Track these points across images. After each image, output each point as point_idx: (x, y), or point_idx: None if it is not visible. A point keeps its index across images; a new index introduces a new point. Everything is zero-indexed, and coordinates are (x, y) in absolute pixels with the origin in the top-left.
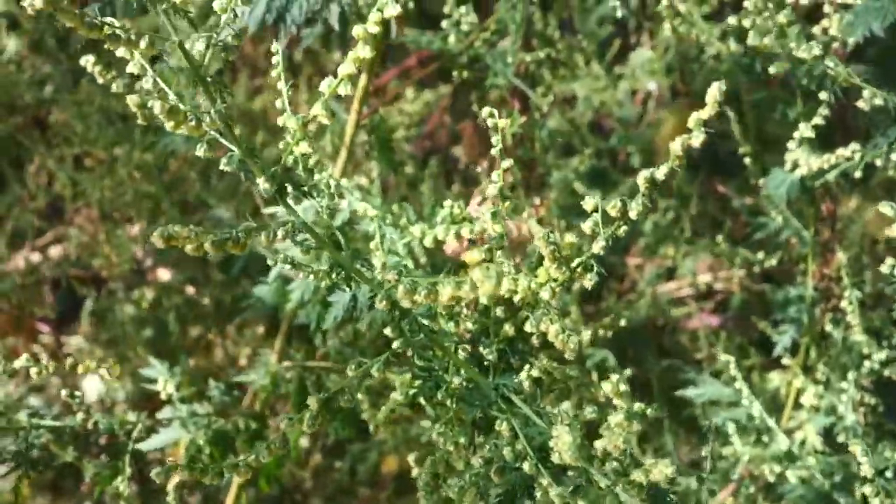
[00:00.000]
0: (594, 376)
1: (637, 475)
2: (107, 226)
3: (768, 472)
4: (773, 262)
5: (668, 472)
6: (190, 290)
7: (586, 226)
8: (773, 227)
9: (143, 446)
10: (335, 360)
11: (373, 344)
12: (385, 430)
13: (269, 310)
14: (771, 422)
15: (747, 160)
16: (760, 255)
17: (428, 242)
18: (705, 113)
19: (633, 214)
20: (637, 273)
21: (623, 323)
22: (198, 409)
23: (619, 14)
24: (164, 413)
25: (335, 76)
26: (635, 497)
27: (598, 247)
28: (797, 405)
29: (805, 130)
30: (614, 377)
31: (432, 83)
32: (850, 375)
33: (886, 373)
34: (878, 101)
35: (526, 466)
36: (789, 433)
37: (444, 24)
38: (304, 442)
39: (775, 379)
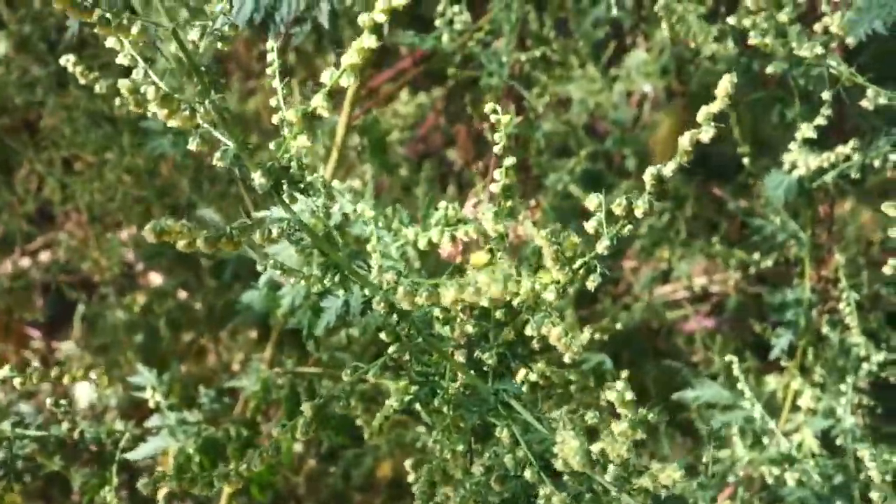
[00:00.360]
0: (591, 381)
1: (644, 481)
2: (96, 230)
3: (767, 475)
4: (769, 263)
5: (677, 477)
6: (182, 294)
7: (589, 225)
8: (769, 230)
9: (130, 456)
10: (328, 367)
11: (366, 350)
12: (380, 436)
13: (260, 316)
14: (772, 423)
15: (746, 161)
16: (756, 256)
17: (422, 245)
18: (715, 106)
19: (638, 213)
20: (633, 276)
21: (618, 326)
22: (187, 416)
23: (613, 12)
24: (153, 421)
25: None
26: (641, 503)
27: (602, 247)
28: (794, 408)
29: (807, 130)
30: (619, 384)
31: (426, 86)
32: (849, 378)
33: (884, 375)
34: (882, 101)
35: (528, 474)
36: (786, 436)
37: (438, 22)
38: (298, 447)
39: (772, 382)
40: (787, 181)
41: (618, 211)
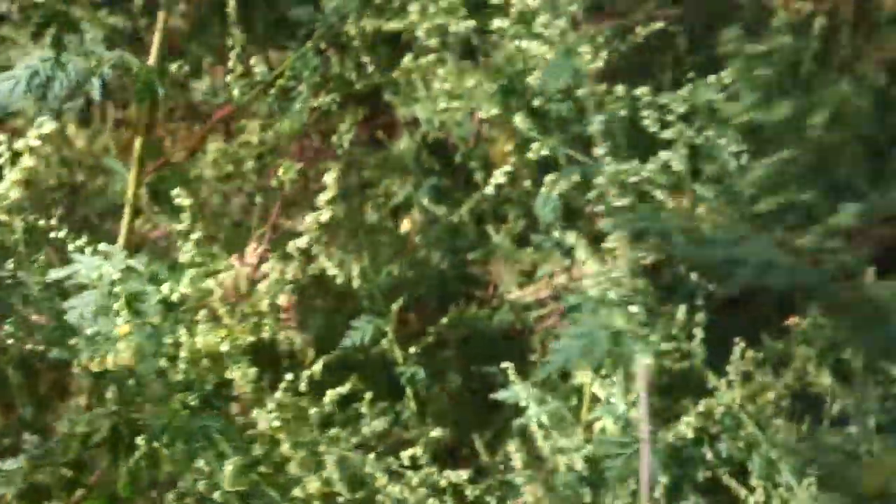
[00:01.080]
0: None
1: (296, 491)
2: None
3: (560, 465)
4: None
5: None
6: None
7: (261, 288)
8: (548, 245)
9: None
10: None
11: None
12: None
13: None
14: (562, 416)
15: (527, 183)
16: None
17: (175, 298)
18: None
19: (289, 276)
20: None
21: (430, 339)
22: (8, 464)
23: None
24: None
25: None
26: None
27: (264, 305)
28: (596, 398)
29: (499, 177)
30: (269, 405)
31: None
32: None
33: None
34: (545, 152)
35: (216, 496)
36: (591, 424)
37: (228, 78)
38: None
39: (579, 375)
40: (552, 201)
41: (275, 275)
